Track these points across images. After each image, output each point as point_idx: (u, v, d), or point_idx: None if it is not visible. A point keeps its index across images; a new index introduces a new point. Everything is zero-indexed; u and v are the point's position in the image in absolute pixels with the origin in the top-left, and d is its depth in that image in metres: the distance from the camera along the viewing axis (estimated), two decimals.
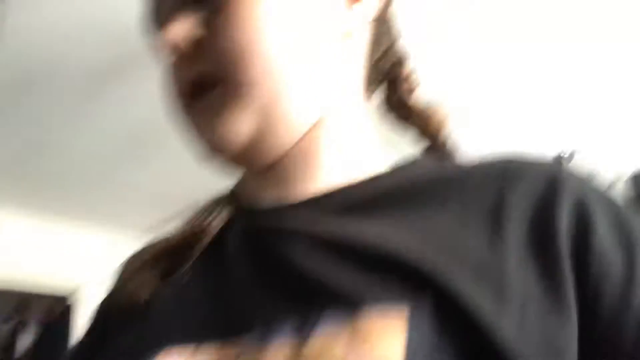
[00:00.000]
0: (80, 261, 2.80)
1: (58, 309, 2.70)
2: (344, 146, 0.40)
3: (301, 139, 0.39)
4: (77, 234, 2.83)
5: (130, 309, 0.40)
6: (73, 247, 2.81)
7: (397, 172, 0.39)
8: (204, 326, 0.36)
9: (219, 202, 0.44)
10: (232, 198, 0.44)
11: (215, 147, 0.37)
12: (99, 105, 1.97)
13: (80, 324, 2.63)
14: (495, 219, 0.32)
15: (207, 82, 0.36)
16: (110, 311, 0.44)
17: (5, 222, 2.64)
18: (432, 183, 0.37)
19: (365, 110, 0.43)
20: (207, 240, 0.41)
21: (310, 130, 0.39)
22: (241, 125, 0.36)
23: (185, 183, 2.32)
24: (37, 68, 1.75)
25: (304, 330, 0.30)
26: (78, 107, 1.98)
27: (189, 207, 0.45)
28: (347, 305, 0.30)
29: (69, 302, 2.70)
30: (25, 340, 2.65)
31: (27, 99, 1.91)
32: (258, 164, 0.39)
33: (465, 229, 0.32)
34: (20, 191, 2.53)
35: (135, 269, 0.44)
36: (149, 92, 1.86)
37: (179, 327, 0.37)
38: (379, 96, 0.45)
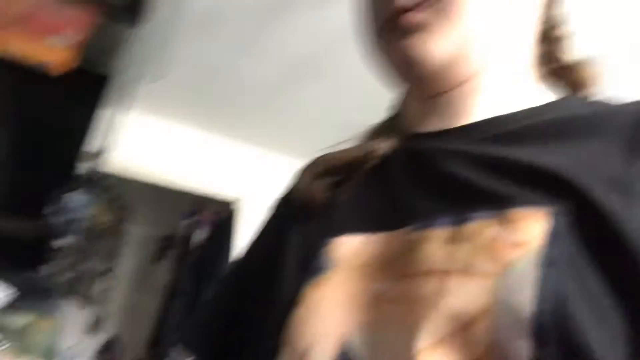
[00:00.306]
0: (244, 174, 3.10)
1: (225, 212, 3.07)
2: (504, 86, 0.45)
3: (477, 74, 0.44)
4: (242, 149, 3.12)
5: (307, 208, 0.48)
6: (239, 161, 3.12)
7: (546, 109, 0.43)
8: (373, 221, 0.43)
9: (384, 127, 0.51)
10: (394, 124, 0.51)
11: (416, 60, 0.42)
12: (268, 35, 2.11)
13: (241, 226, 2.98)
14: (633, 145, 0.36)
15: (416, 7, 0.41)
16: (287, 208, 0.53)
17: (186, 134, 3.01)
18: (578, 119, 0.40)
19: (528, 59, 0.47)
20: (375, 160, 0.48)
21: (486, 69, 0.44)
22: (446, 46, 0.41)
23: (342, 112, 2.43)
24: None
25: (459, 221, 0.37)
26: (249, 36, 2.14)
27: (351, 133, 0.53)
28: (498, 205, 0.35)
29: (233, 208, 3.05)
30: (198, 236, 3.08)
31: (208, 27, 2.12)
32: (437, 87, 0.44)
33: (604, 154, 0.36)
34: (198, 108, 2.83)
35: (311, 175, 0.51)
36: (315, 23, 1.96)
37: (352, 221, 0.44)
38: (538, 49, 0.49)
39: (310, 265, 0.42)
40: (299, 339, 0.38)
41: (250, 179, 3.07)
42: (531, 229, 0.33)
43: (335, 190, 0.48)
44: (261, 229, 0.58)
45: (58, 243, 1.86)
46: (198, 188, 3.00)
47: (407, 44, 0.42)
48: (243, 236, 2.93)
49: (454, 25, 0.41)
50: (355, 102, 2.40)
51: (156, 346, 2.71)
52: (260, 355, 0.44)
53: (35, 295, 1.80)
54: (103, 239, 3.01)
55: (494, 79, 0.45)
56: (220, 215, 3.08)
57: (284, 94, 2.55)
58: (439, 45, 0.41)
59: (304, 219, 0.48)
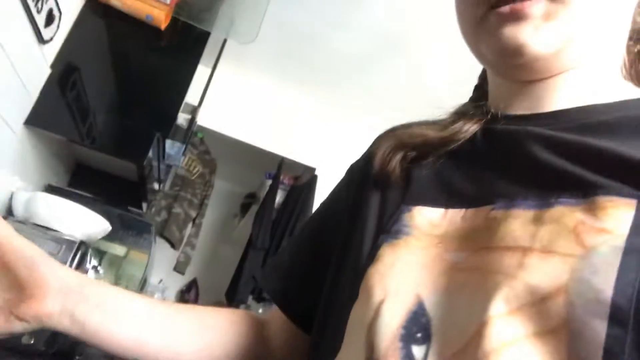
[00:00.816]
0: (326, 141, 3.16)
1: (306, 177, 3.15)
2: (595, 80, 0.45)
3: (573, 68, 0.44)
4: (325, 117, 3.17)
5: (384, 176, 0.50)
6: (321, 128, 3.18)
7: (636, 104, 0.43)
8: (453, 197, 0.45)
9: (469, 108, 0.51)
10: (479, 104, 0.51)
11: (520, 49, 0.41)
12: (359, 9, 2.13)
13: (320, 191, 3.05)
14: None
15: None
16: (365, 171, 0.54)
17: (274, 97, 3.10)
18: None
19: (620, 57, 0.47)
20: (460, 141, 0.48)
21: (582, 63, 0.44)
22: (555, 39, 0.41)
23: (424, 89, 2.42)
24: None
25: (544, 205, 0.38)
26: (341, 8, 2.17)
27: (433, 111, 0.53)
28: (582, 193, 0.36)
29: (314, 173, 3.12)
30: (279, 197, 3.18)
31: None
32: (533, 76, 0.45)
33: None
34: (287, 72, 2.91)
35: (391, 146, 0.51)
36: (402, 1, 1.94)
37: (431, 194, 0.46)
38: (630, 49, 0.49)
39: (390, 227, 0.44)
40: (375, 291, 0.40)
41: (331, 147, 3.11)
42: (618, 217, 0.34)
43: (412, 164, 0.50)
44: (339, 187, 0.60)
45: (156, 186, 2.02)
46: (282, 151, 3.10)
47: (515, 32, 0.41)
48: (320, 201, 2.99)
49: (566, 20, 0.41)
50: (437, 79, 2.37)
51: (234, 293, 2.88)
52: (334, 302, 0.47)
53: (131, 231, 1.98)
54: (193, 188, 3.21)
55: (586, 73, 0.45)
56: (301, 180, 3.16)
57: (369, 67, 2.57)
58: (547, 37, 0.41)
59: (382, 185, 0.50)
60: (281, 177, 3.17)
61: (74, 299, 0.51)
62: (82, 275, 0.55)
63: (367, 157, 0.56)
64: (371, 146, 0.57)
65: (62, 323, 0.51)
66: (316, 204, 2.93)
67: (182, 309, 0.59)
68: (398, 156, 0.50)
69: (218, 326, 0.58)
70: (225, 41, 2.50)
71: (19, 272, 0.50)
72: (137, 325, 0.54)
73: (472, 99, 0.56)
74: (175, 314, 0.57)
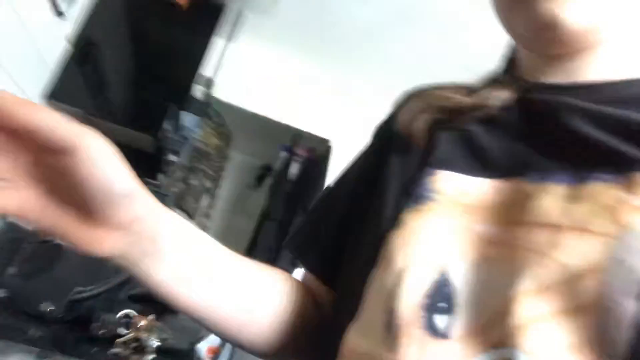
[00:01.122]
0: (342, 112, 3.15)
1: (320, 149, 3.15)
2: (631, 54, 0.44)
3: (607, 42, 0.43)
4: (341, 88, 3.16)
5: (408, 138, 0.49)
6: (338, 98, 3.15)
7: None
8: (481, 165, 0.43)
9: (500, 77, 0.50)
10: (510, 76, 0.50)
11: (554, 24, 0.40)
12: None
13: (334, 164, 3.05)
14: None
15: None
16: (388, 133, 0.53)
17: (290, 69, 3.09)
18: None
19: None
20: (491, 110, 0.46)
21: (617, 36, 0.43)
22: (589, 13, 0.40)
23: (444, 59, 2.38)
24: None
25: (579, 179, 0.37)
26: None
27: (453, 80, 0.52)
28: (618, 168, 0.35)
29: (329, 145, 3.12)
30: (293, 168, 3.20)
31: None
32: (565, 50, 0.44)
33: None
34: (303, 44, 2.88)
35: (416, 108, 0.50)
36: None
37: (457, 160, 0.44)
38: None
39: (413, 191, 0.43)
40: (398, 257, 0.40)
41: (346, 119, 3.09)
42: None
43: (437, 126, 0.48)
44: (364, 151, 0.59)
45: (172, 157, 2.05)
46: (296, 123, 3.09)
47: (551, 5, 0.40)
48: (335, 174, 2.99)
49: None
50: (453, 51, 2.33)
51: None
52: (355, 267, 0.46)
53: None
54: (209, 160, 3.23)
55: (622, 46, 0.43)
56: (316, 152, 3.16)
57: (385, 38, 2.53)
58: (582, 11, 0.40)
59: (405, 146, 0.49)
60: (296, 149, 3.18)
61: (140, 249, 0.43)
62: (162, 224, 0.44)
63: (392, 117, 0.54)
64: (396, 105, 0.55)
65: (120, 264, 0.43)
66: (330, 176, 2.98)
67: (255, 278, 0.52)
68: (424, 117, 0.49)
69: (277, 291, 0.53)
70: (242, 12, 2.48)
71: (93, 199, 0.38)
72: (204, 291, 0.47)
73: (502, 67, 0.54)
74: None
